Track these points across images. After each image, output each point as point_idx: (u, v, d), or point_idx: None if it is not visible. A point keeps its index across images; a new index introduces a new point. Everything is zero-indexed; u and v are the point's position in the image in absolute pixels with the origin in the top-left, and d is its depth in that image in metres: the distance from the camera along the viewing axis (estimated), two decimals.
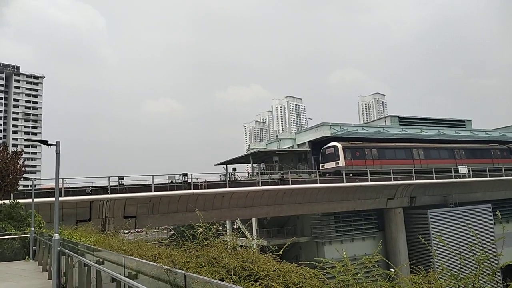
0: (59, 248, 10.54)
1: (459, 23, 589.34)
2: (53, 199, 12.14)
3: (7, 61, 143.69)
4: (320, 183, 37.62)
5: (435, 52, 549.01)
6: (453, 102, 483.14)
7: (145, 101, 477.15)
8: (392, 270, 5.78)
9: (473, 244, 5.80)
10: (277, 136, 67.83)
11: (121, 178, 30.96)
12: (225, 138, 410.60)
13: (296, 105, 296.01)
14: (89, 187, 29.65)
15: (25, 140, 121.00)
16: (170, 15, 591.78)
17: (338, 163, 41.16)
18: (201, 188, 32.76)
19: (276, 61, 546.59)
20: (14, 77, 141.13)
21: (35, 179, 24.53)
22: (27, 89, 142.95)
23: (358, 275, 4.97)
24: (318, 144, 45.66)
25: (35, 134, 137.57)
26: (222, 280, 4.81)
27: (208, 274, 4.99)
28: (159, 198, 31.50)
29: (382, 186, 40.66)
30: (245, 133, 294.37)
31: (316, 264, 5.94)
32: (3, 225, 19.26)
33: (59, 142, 11.08)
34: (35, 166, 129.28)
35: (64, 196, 27.49)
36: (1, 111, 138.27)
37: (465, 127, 59.59)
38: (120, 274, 6.13)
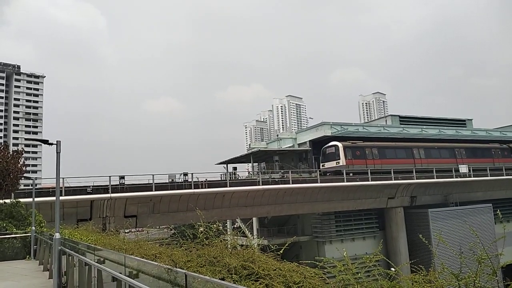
0: (60, 247, 10.55)
1: (459, 23, 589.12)
2: (53, 198, 12.15)
3: (8, 61, 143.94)
4: (320, 182, 37.62)
5: (435, 52, 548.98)
6: (454, 102, 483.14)
7: (146, 101, 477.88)
8: (392, 269, 5.78)
9: (473, 243, 5.80)
10: (277, 135, 67.83)
11: (122, 177, 30.97)
12: (226, 138, 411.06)
13: (296, 104, 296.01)
14: (89, 186, 29.67)
15: (26, 139, 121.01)
16: (170, 14, 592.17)
17: (338, 162, 41.14)
18: (202, 188, 32.77)
19: (277, 61, 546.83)
20: (15, 77, 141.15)
21: (36, 178, 24.53)
22: (27, 88, 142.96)
23: (359, 274, 4.97)
24: (318, 144, 45.64)
25: (35, 133, 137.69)
26: (222, 279, 4.82)
27: (208, 273, 4.99)
28: (159, 198, 31.52)
29: (382, 186, 40.66)
30: (246, 132, 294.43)
31: (317, 263, 5.93)
32: (4, 224, 19.28)
33: (59, 141, 11.09)
34: (35, 165, 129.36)
35: (65, 195, 27.50)
36: (2, 110, 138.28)
37: (465, 127, 59.56)
38: (120, 273, 6.13)
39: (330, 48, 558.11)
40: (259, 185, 35.32)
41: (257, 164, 53.85)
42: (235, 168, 49.40)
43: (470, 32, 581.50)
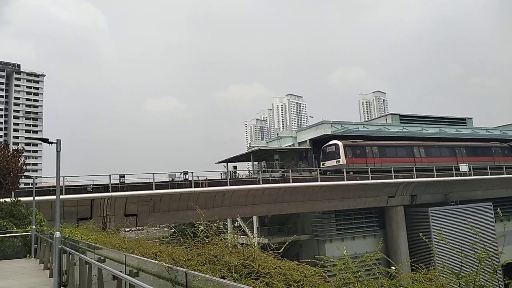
0: (60, 246, 10.56)
1: (459, 23, 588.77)
2: (54, 197, 12.16)
3: (8, 59, 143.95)
4: (321, 181, 37.63)
5: (436, 51, 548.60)
6: (454, 102, 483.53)
7: (146, 100, 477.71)
8: (393, 268, 5.78)
9: (474, 242, 5.80)
10: (277, 134, 67.80)
11: (122, 176, 30.98)
12: (226, 137, 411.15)
13: (297, 103, 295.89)
14: (90, 185, 29.66)
15: (26, 138, 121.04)
16: (171, 14, 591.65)
17: (339, 161, 41.14)
18: (202, 186, 32.78)
19: (277, 60, 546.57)
20: (15, 75, 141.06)
21: (36, 177, 24.57)
22: (27, 87, 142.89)
23: (359, 273, 4.97)
24: (319, 142, 45.64)
25: (36, 132, 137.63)
26: (223, 278, 4.82)
27: (209, 272, 5.00)
28: (160, 196, 31.53)
29: (383, 184, 40.67)
30: (246, 131, 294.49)
31: (317, 262, 5.94)
32: (5, 223, 19.30)
33: (60, 140, 11.09)
34: (36, 164, 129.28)
35: (65, 194, 27.52)
36: (2, 109, 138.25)
37: (466, 125, 59.54)
38: (121, 272, 6.13)
39: (330, 48, 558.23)
40: (259, 184, 35.33)
41: (257, 163, 53.86)
42: (235, 167, 49.39)
43: (470, 32, 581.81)
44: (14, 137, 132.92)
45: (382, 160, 43.24)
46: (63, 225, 17.00)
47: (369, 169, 40.47)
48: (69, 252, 10.30)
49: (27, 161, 24.09)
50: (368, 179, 39.31)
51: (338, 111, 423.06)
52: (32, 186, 22.70)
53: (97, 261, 7.74)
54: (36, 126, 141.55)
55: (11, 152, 21.26)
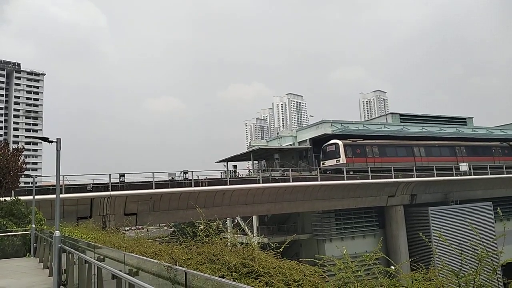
0: (60, 245, 10.55)
1: (459, 23, 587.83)
2: (54, 196, 12.16)
3: (8, 58, 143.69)
4: (320, 180, 37.64)
5: (436, 51, 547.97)
6: (454, 101, 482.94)
7: (146, 99, 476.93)
8: (392, 267, 5.78)
9: (473, 241, 5.80)
10: (278, 133, 67.83)
11: (122, 175, 31.01)
12: (226, 136, 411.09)
13: (297, 102, 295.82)
14: (90, 184, 29.67)
15: (26, 137, 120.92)
16: (171, 13, 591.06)
17: (339, 160, 41.15)
18: (202, 186, 32.79)
19: (277, 59, 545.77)
20: (15, 74, 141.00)
21: (36, 176, 24.55)
22: (28, 86, 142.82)
23: (359, 272, 4.97)
24: (319, 142, 45.64)
25: (36, 131, 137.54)
26: (222, 277, 4.82)
27: (208, 271, 4.99)
28: (160, 196, 31.54)
29: (382, 184, 40.67)
30: (246, 130, 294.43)
31: (317, 261, 5.94)
32: (4, 222, 19.30)
33: (60, 139, 11.09)
34: (36, 163, 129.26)
35: (65, 193, 27.52)
36: (2, 108, 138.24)
37: (466, 125, 59.53)
38: (120, 271, 6.13)
39: (331, 47, 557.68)
40: (259, 183, 35.33)
41: (257, 162, 53.86)
42: (235, 166, 49.43)
43: (470, 31, 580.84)
44: (14, 136, 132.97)
45: (382, 160, 43.24)
46: (62, 224, 16.99)
47: (369, 168, 40.48)
48: (68, 251, 10.30)
49: (27, 160, 24.12)
50: (368, 179, 39.32)
51: (338, 110, 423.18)
52: (32, 185, 22.69)
53: (96, 260, 7.74)
54: (36, 125, 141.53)
55: (11, 151, 21.27)
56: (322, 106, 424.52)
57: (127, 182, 30.97)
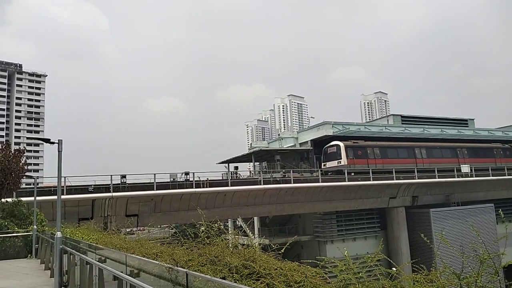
0: (61, 246, 10.56)
1: (460, 23, 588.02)
2: (55, 197, 12.17)
3: (10, 59, 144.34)
4: (322, 182, 37.59)
5: (436, 51, 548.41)
6: (454, 101, 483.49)
7: (147, 100, 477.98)
8: (394, 269, 5.77)
9: (475, 243, 5.79)
10: (279, 135, 67.80)
11: (123, 176, 30.99)
12: (227, 137, 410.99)
13: (298, 103, 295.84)
14: (91, 185, 29.68)
15: (28, 138, 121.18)
16: (171, 13, 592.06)
17: (340, 162, 41.12)
18: (203, 187, 32.78)
19: (277, 60, 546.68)
20: (17, 75, 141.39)
21: (38, 177, 24.61)
22: (29, 87, 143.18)
23: (360, 274, 4.96)
24: (320, 143, 45.62)
25: (37, 132, 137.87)
26: (223, 278, 4.81)
27: (209, 273, 4.99)
28: (161, 197, 31.54)
29: (384, 185, 40.61)
30: (247, 132, 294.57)
31: (318, 262, 5.93)
32: (6, 223, 19.33)
33: (61, 140, 11.10)
34: (37, 164, 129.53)
35: (67, 194, 27.54)
36: (4, 109, 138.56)
37: (467, 126, 59.47)
38: (122, 272, 6.14)
39: (331, 47, 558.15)
40: (260, 184, 35.31)
41: (258, 163, 53.85)
42: (236, 168, 49.44)
43: (471, 31, 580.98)
44: (16, 137, 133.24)
45: (384, 161, 43.21)
46: (64, 225, 17.00)
47: (371, 170, 40.44)
48: (70, 252, 10.31)
49: (28, 161, 24.11)
50: (370, 180, 39.27)
51: (339, 110, 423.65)
52: (33, 186, 22.72)
53: (98, 261, 7.75)
54: (38, 126, 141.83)
55: (12, 152, 21.28)
56: (322, 107, 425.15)
57: (128, 183, 30.97)
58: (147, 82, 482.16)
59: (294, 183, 36.51)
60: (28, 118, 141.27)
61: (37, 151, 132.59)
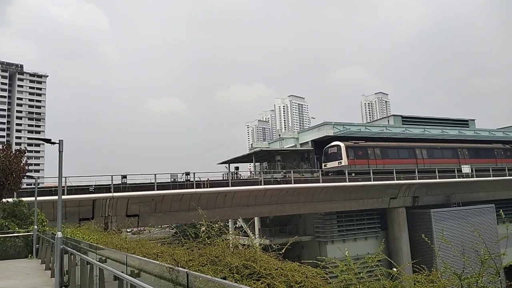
0: (62, 246, 10.56)
1: (460, 23, 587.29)
2: (56, 197, 12.17)
3: (11, 60, 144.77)
4: (322, 182, 37.58)
5: (436, 51, 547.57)
6: (455, 101, 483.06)
7: (147, 100, 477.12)
8: (394, 269, 5.77)
9: (476, 244, 5.78)
10: (279, 135, 67.79)
11: (124, 176, 31.01)
12: (227, 137, 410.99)
13: (299, 104, 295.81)
14: (92, 185, 29.71)
15: (29, 138, 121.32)
16: (171, 13, 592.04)
17: (340, 162, 41.11)
18: (204, 187, 32.80)
19: (278, 60, 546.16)
20: (18, 76, 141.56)
21: (38, 177, 24.64)
22: (30, 87, 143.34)
23: (361, 274, 4.96)
24: (320, 144, 45.61)
25: (38, 132, 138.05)
26: (224, 278, 4.81)
27: (210, 273, 4.99)
28: (161, 197, 31.56)
29: (384, 186, 40.59)
30: (248, 132, 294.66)
31: (319, 263, 5.93)
32: (7, 223, 19.36)
33: (62, 140, 11.11)
34: (38, 164, 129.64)
35: (67, 194, 27.58)
36: (5, 109, 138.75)
37: (468, 127, 59.43)
38: (122, 272, 6.14)
39: (331, 47, 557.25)
40: (261, 185, 35.31)
41: (259, 164, 53.85)
42: (237, 168, 49.45)
43: (471, 31, 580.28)
44: (16, 137, 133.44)
45: (384, 162, 43.20)
46: (65, 226, 17.01)
47: (371, 170, 40.42)
48: (70, 252, 10.32)
49: (29, 161, 24.12)
50: (370, 181, 39.26)
51: (340, 111, 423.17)
52: (34, 186, 22.75)
53: (98, 261, 7.75)
54: (39, 126, 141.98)
55: (13, 152, 21.30)
56: (323, 107, 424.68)
57: (129, 184, 31.00)
58: (148, 82, 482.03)
59: (294, 183, 36.52)
60: (29, 119, 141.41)
61: (38, 152, 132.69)
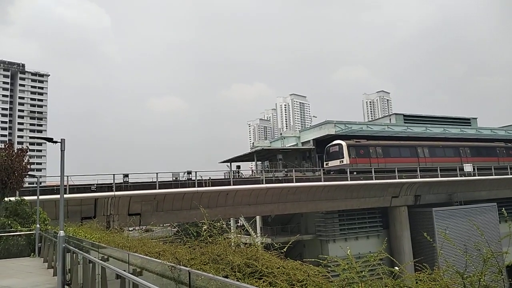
0: (64, 245, 10.58)
1: (461, 22, 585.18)
2: (58, 196, 12.22)
3: (13, 59, 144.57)
4: (324, 181, 37.57)
5: (438, 50, 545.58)
6: (455, 101, 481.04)
7: (149, 99, 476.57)
8: (396, 268, 5.77)
9: (478, 242, 5.77)
10: (281, 134, 67.76)
11: (126, 175, 31.08)
12: (229, 136, 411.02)
13: (300, 103, 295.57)
14: (94, 184, 29.76)
15: (31, 137, 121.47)
16: (173, 13, 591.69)
17: (342, 161, 41.09)
18: (205, 186, 32.83)
19: (280, 59, 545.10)
20: (20, 75, 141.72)
21: (40, 176, 24.68)
22: (32, 87, 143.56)
23: (363, 272, 4.96)
24: (322, 142, 45.60)
25: (40, 131, 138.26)
26: (226, 277, 4.82)
27: (212, 271, 5.00)
28: (163, 196, 31.61)
29: (386, 184, 40.56)
30: (249, 131, 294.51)
31: (320, 261, 5.93)
32: (9, 222, 19.39)
33: (64, 139, 11.12)
34: (40, 163, 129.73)
35: (69, 193, 27.63)
36: (7, 108, 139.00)
37: (470, 125, 59.32)
38: (124, 270, 6.15)
39: (333, 46, 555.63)
40: (262, 183, 35.32)
41: (260, 162, 53.88)
42: (238, 167, 49.50)
43: (471, 31, 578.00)
44: (18, 136, 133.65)
45: (386, 160, 43.15)
46: (67, 224, 17.04)
47: (373, 169, 40.38)
48: (73, 251, 10.33)
49: (31, 160, 24.18)
50: (372, 179, 39.21)
51: (342, 110, 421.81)
52: (36, 185, 22.80)
53: (100, 260, 7.77)
54: (41, 125, 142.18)
55: (15, 151, 21.36)
56: (324, 106, 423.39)
57: (131, 183, 31.05)
58: (149, 81, 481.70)
59: (296, 182, 36.51)
60: (31, 118, 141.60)
61: (40, 151, 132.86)
